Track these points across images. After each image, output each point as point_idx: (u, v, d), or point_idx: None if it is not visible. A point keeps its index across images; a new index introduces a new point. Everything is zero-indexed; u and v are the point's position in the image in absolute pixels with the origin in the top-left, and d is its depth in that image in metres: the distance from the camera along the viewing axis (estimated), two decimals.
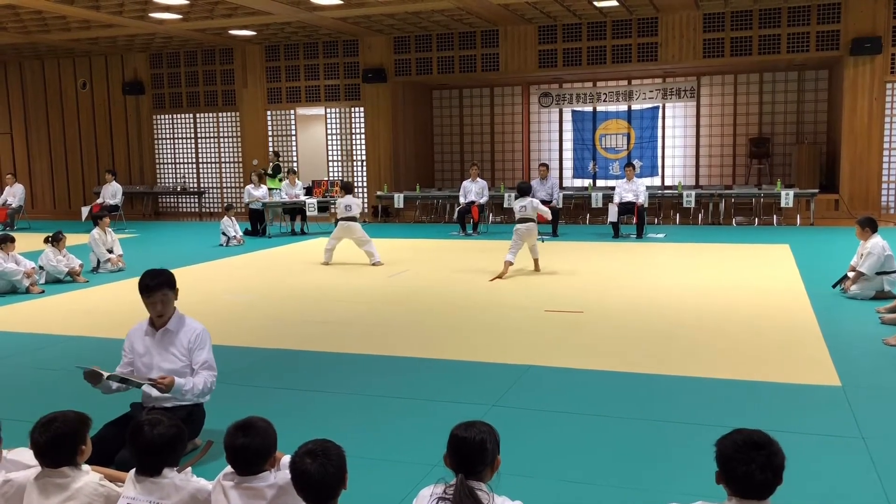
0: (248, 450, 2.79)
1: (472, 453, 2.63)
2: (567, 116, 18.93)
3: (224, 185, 19.71)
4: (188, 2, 13.56)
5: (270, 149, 18.73)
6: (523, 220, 9.76)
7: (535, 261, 9.89)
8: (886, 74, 14.57)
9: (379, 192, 17.21)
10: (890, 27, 14.44)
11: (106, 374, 3.90)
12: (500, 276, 9.49)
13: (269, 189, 16.09)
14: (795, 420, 4.47)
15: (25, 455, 3.19)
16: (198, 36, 17.06)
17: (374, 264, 10.62)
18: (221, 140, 19.58)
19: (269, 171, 16.54)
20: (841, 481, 3.68)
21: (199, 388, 4.04)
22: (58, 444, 2.89)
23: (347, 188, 11.55)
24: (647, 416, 4.59)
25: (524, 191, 10.07)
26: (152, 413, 3.17)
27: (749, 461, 2.38)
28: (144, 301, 4.11)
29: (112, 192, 16.75)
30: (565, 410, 4.73)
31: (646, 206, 13.77)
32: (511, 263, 9.62)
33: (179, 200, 20.26)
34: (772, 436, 2.46)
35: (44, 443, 2.88)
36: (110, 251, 10.62)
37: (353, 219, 10.78)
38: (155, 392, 3.98)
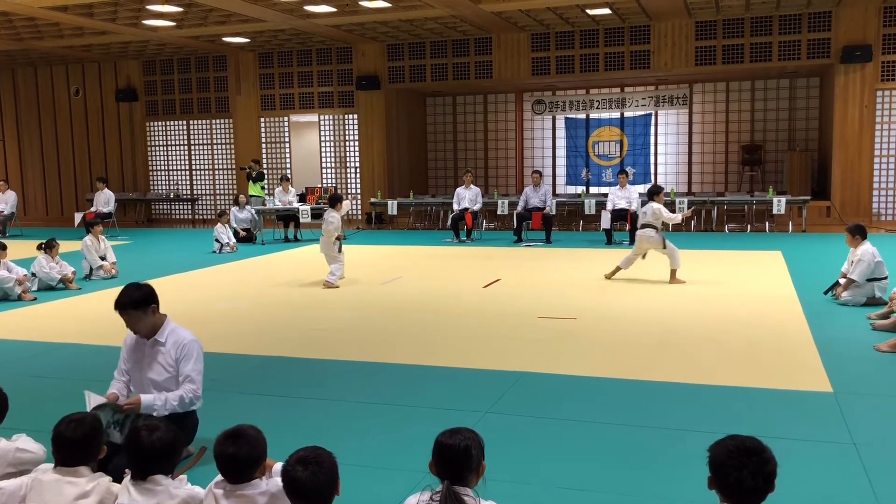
0: (237, 458, 2.79)
1: (457, 460, 2.64)
2: (560, 123, 18.99)
3: (217, 192, 19.68)
4: (182, 9, 13.57)
5: (264, 156, 18.74)
6: (644, 226, 9.40)
7: (672, 271, 9.25)
8: (877, 82, 14.67)
9: (373, 199, 17.21)
10: (880, 35, 14.54)
11: (90, 406, 3.82)
12: (607, 277, 9.52)
13: (252, 196, 16.06)
14: (787, 426, 4.48)
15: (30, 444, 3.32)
16: (191, 43, 17.06)
17: (324, 284, 9.48)
18: (215, 147, 19.57)
19: (253, 177, 16.49)
20: (832, 487, 3.69)
21: (172, 402, 3.93)
22: (89, 440, 3.00)
23: (333, 201, 9.95)
24: (640, 422, 4.60)
25: (649, 194, 9.72)
26: (148, 419, 3.17)
27: (741, 467, 2.38)
28: None
29: (105, 200, 16.69)
30: (559, 417, 4.73)
31: (639, 212, 13.79)
32: (621, 269, 9.48)
33: (172, 207, 20.22)
34: (764, 442, 2.47)
35: (75, 438, 2.96)
36: (103, 258, 10.59)
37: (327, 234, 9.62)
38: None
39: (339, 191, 17.99)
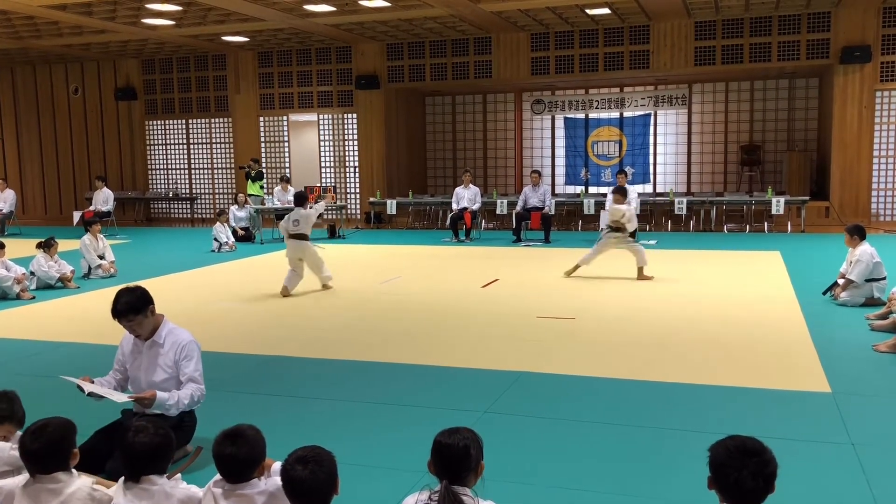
0: (236, 459, 2.78)
1: (456, 459, 2.64)
2: (559, 123, 19.00)
3: (216, 191, 19.67)
4: (181, 8, 13.56)
5: (263, 155, 18.74)
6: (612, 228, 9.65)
7: (639, 269, 9.53)
8: (876, 83, 14.68)
9: (372, 199, 17.21)
10: (879, 36, 14.55)
11: (86, 391, 3.87)
12: (567, 273, 9.76)
13: (251, 195, 16.06)
14: (786, 426, 4.48)
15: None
16: (190, 42, 17.05)
17: (324, 286, 9.22)
18: (214, 146, 19.56)
19: (252, 176, 16.49)
20: (830, 487, 3.69)
21: (184, 401, 3.97)
22: (52, 449, 2.88)
23: (299, 199, 9.34)
24: (639, 422, 4.60)
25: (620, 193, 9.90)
26: (142, 420, 3.16)
27: (741, 467, 2.38)
28: None
29: (104, 199, 16.69)
30: (557, 417, 4.73)
31: (637, 212, 13.80)
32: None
33: (171, 206, 20.21)
34: (764, 443, 2.47)
35: (38, 449, 2.86)
36: (102, 257, 10.57)
37: (302, 236, 8.98)
38: (137, 407, 3.96)
39: (336, 189, 17.99)
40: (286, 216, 9.25)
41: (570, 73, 16.35)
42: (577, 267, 9.79)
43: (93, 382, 4.02)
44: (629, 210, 9.67)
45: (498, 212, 15.87)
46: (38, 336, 7.20)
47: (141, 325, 4.00)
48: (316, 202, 15.55)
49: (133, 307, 3.95)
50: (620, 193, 9.92)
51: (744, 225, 15.44)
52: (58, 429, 2.92)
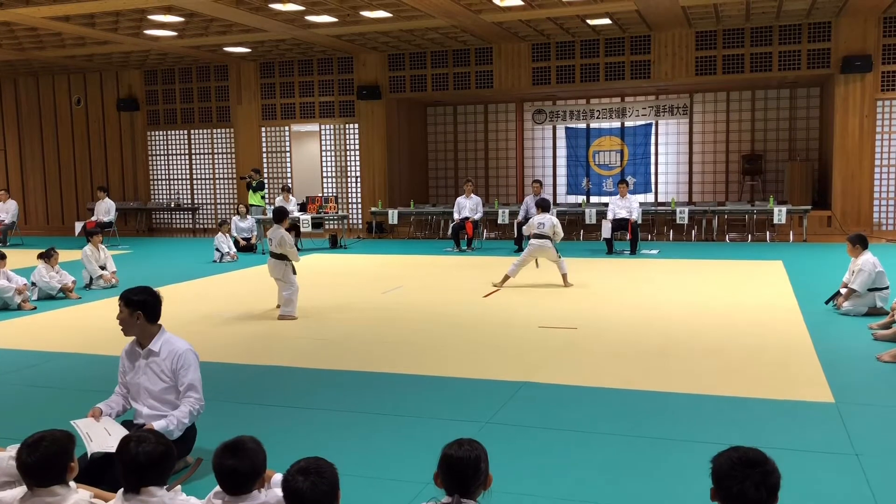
0: (237, 472, 2.76)
1: (468, 472, 2.63)
2: (560, 133, 19.02)
3: (218, 201, 19.69)
4: (183, 19, 13.61)
5: (265, 165, 18.77)
6: (539, 237, 10.06)
7: (563, 276, 10.01)
8: (877, 92, 14.69)
9: (373, 209, 17.22)
10: (880, 45, 14.57)
11: (90, 452, 3.76)
12: (496, 286, 9.90)
13: (252, 205, 16.07)
14: (789, 436, 4.46)
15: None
16: (192, 53, 17.11)
17: (280, 316, 8.28)
18: (216, 156, 19.60)
19: (254, 187, 16.50)
20: (834, 498, 3.67)
21: (184, 421, 4.00)
22: (48, 463, 2.85)
23: (278, 215, 8.56)
24: (641, 433, 4.58)
25: (545, 207, 10.45)
26: (142, 431, 3.15)
27: (744, 479, 2.37)
28: None
29: (105, 209, 16.72)
30: (559, 427, 4.71)
31: (639, 222, 13.81)
32: (510, 277, 9.98)
33: (173, 216, 20.23)
34: (767, 454, 2.45)
35: (33, 463, 2.83)
36: (103, 268, 10.58)
37: (281, 256, 8.28)
38: (138, 418, 3.94)
39: (338, 199, 18.00)
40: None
41: (571, 83, 16.39)
42: (506, 278, 10.06)
43: (101, 412, 4.05)
44: (557, 222, 10.26)
45: (499, 221, 15.87)
46: (39, 347, 7.19)
47: (120, 316, 4.08)
48: (318, 212, 15.57)
49: (127, 300, 4.06)
50: (542, 207, 10.54)
51: (746, 234, 15.43)
52: (54, 442, 2.88)
